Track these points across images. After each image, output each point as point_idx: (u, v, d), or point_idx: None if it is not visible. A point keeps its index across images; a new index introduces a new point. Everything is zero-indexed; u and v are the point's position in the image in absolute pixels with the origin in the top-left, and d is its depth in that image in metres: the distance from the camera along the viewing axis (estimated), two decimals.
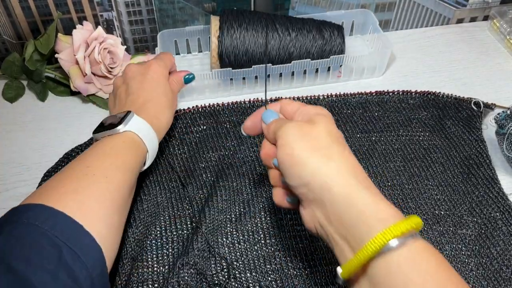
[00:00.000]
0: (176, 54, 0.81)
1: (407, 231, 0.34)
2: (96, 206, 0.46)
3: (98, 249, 0.44)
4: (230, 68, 0.70)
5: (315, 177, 0.38)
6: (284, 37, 0.70)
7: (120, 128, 0.53)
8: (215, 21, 0.71)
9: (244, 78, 0.74)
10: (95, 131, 0.55)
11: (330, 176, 0.38)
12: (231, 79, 0.74)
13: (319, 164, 0.38)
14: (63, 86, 0.76)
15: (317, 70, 0.75)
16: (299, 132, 0.40)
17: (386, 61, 0.78)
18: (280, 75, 0.74)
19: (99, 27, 0.71)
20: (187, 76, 0.66)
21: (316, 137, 0.40)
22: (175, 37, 0.78)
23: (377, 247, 0.33)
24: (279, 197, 0.45)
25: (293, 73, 0.75)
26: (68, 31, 0.75)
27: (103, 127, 0.55)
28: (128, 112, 0.55)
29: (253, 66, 0.71)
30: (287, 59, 0.72)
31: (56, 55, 0.70)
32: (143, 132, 0.55)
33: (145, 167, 0.57)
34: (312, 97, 0.73)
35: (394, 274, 0.33)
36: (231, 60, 0.71)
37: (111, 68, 0.72)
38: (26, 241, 0.40)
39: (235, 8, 0.73)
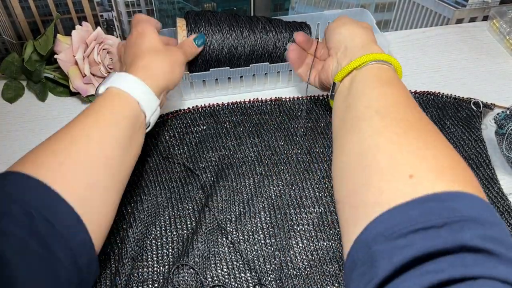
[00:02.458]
0: None
1: (379, 59, 0.53)
2: (74, 166, 0.44)
3: (75, 217, 0.42)
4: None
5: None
6: (250, 36, 0.69)
7: (100, 89, 0.52)
8: (181, 22, 0.69)
9: (202, 81, 0.72)
10: None
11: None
12: (204, 80, 0.72)
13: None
14: (63, 87, 0.76)
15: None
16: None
17: None
18: (254, 75, 0.73)
19: (98, 28, 0.71)
20: (197, 41, 0.66)
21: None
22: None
23: (362, 60, 0.53)
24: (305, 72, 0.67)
25: (278, 72, 0.74)
26: (68, 31, 0.75)
27: None
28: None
29: (215, 68, 0.69)
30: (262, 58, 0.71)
31: (55, 56, 0.70)
32: (127, 85, 0.52)
33: (150, 128, 0.56)
34: (312, 97, 0.73)
35: (364, 79, 0.52)
36: (201, 62, 0.69)
37: (111, 68, 0.72)
38: None
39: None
